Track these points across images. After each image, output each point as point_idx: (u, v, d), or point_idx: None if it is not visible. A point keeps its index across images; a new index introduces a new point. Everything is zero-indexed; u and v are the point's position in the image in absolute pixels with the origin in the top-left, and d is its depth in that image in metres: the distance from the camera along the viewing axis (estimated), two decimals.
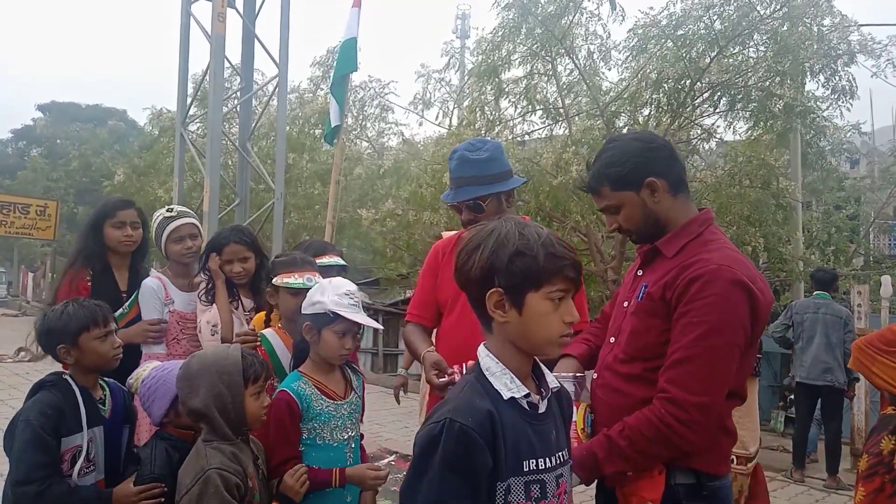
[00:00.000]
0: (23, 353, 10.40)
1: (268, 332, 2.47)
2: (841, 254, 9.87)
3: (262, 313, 2.64)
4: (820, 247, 9.67)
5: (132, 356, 2.78)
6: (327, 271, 2.72)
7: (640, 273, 1.84)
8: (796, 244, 8.92)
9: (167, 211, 3.05)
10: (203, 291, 2.88)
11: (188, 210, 3.16)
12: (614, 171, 1.77)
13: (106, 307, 2.19)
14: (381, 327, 2.48)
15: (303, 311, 2.16)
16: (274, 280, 2.42)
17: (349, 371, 2.31)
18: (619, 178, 1.77)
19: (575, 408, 1.74)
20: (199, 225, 3.08)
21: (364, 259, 13.85)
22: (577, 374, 1.86)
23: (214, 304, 2.82)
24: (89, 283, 2.93)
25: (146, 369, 2.20)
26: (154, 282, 2.93)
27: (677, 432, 1.58)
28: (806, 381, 5.94)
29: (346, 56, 5.20)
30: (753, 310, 1.62)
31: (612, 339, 1.85)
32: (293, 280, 2.39)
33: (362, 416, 2.35)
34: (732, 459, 3.45)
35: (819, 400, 6.05)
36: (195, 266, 3.01)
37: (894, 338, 2.90)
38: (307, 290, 2.27)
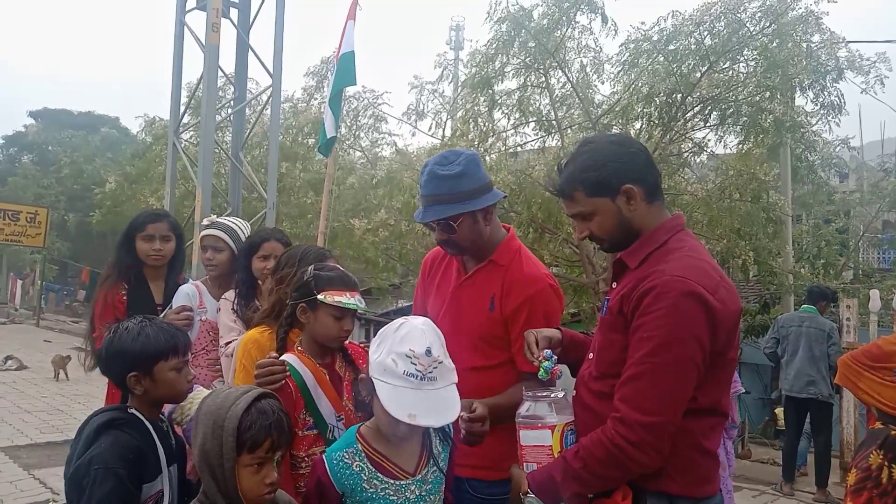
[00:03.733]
0: (10, 363, 10.29)
1: (290, 357, 2.08)
2: (830, 267, 9.97)
3: (257, 331, 2.28)
4: (810, 260, 9.76)
5: None
6: None
7: (613, 285, 1.76)
8: (786, 257, 8.98)
9: (207, 219, 3.05)
10: (236, 302, 2.71)
11: (226, 222, 3.06)
12: (591, 176, 1.66)
13: (185, 334, 1.97)
14: (461, 414, 1.78)
15: (371, 362, 1.65)
16: (321, 296, 2.02)
17: (433, 439, 1.72)
18: (596, 184, 1.66)
19: (549, 431, 1.66)
20: (228, 238, 2.96)
21: (356, 269, 13.81)
22: (552, 395, 1.73)
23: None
24: (125, 297, 2.93)
25: (194, 400, 1.90)
26: (190, 288, 2.92)
27: (627, 454, 1.50)
28: (790, 393, 5.99)
29: (345, 70, 5.21)
30: (711, 321, 1.52)
31: (591, 356, 1.78)
32: (346, 300, 2.02)
33: (448, 492, 1.84)
34: None
35: (808, 413, 6.07)
36: (230, 279, 2.90)
37: (880, 353, 2.92)
38: (355, 312, 2.06)
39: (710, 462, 1.65)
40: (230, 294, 2.80)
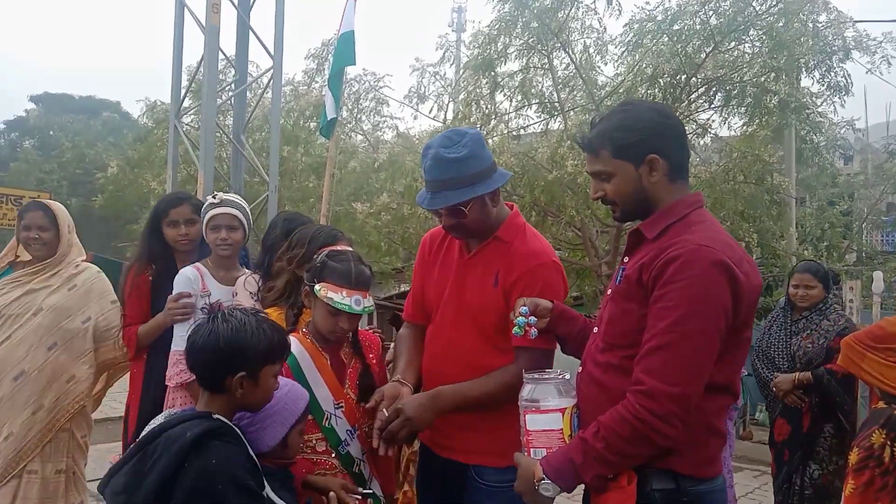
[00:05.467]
0: None
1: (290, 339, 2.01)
2: (834, 249, 9.94)
3: (272, 311, 2.21)
4: (813, 242, 9.72)
5: (162, 352, 2.72)
6: None
7: (625, 260, 1.72)
8: (790, 240, 8.97)
9: (212, 197, 2.91)
10: (261, 287, 2.51)
11: (235, 199, 2.93)
12: (621, 137, 1.62)
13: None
14: None
15: None
16: (317, 287, 1.94)
17: None
18: (624, 146, 1.61)
19: (560, 414, 1.61)
20: (243, 217, 2.85)
21: (359, 253, 13.84)
22: (559, 376, 1.68)
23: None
24: (150, 279, 2.86)
25: None
26: (191, 271, 2.77)
27: (654, 428, 1.45)
28: None
29: (344, 49, 5.17)
30: (735, 293, 1.48)
31: (595, 329, 1.73)
32: (339, 298, 1.91)
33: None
34: None
35: None
36: (236, 259, 2.83)
37: (883, 334, 2.93)
38: (354, 313, 1.96)
39: (718, 442, 1.61)
40: (250, 283, 2.63)
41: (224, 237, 2.77)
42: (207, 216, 2.81)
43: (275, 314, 2.17)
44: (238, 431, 1.62)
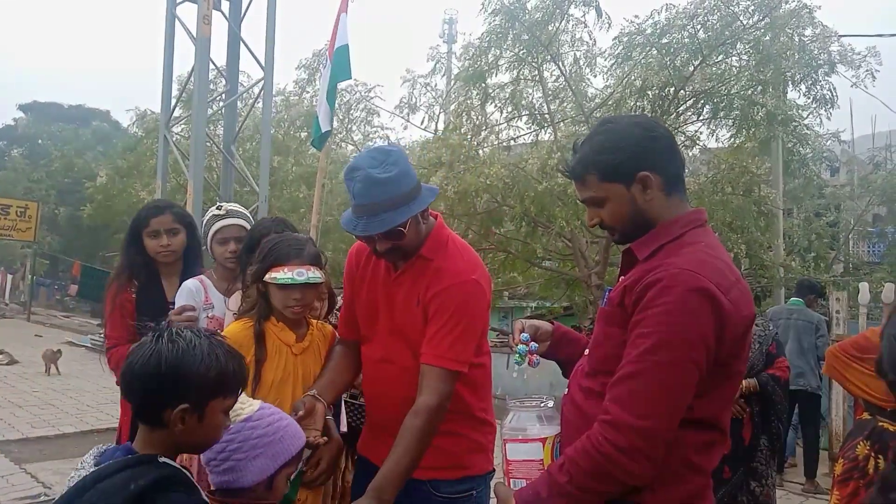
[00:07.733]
0: (0, 357, 10.23)
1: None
2: (821, 260, 10.03)
3: (235, 325, 2.08)
4: (800, 253, 9.82)
5: None
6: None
7: (622, 279, 1.60)
8: (777, 251, 9.04)
9: (216, 208, 2.80)
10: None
11: (238, 209, 2.82)
12: (605, 159, 1.51)
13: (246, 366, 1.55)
14: None
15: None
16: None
17: None
18: (610, 168, 1.51)
19: (540, 444, 1.54)
20: (249, 227, 2.73)
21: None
22: (541, 404, 1.61)
23: None
24: (134, 296, 2.72)
25: (243, 410, 1.57)
26: (194, 283, 2.66)
27: (616, 463, 1.34)
28: None
29: (340, 64, 5.20)
30: (719, 323, 1.36)
31: (587, 351, 1.64)
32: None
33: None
34: None
35: (796, 405, 6.13)
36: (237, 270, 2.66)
37: (868, 344, 2.95)
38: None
39: (699, 481, 1.48)
40: (234, 300, 2.51)
41: (233, 249, 2.65)
42: (213, 229, 2.71)
43: (238, 326, 2.06)
44: (189, 476, 1.38)
